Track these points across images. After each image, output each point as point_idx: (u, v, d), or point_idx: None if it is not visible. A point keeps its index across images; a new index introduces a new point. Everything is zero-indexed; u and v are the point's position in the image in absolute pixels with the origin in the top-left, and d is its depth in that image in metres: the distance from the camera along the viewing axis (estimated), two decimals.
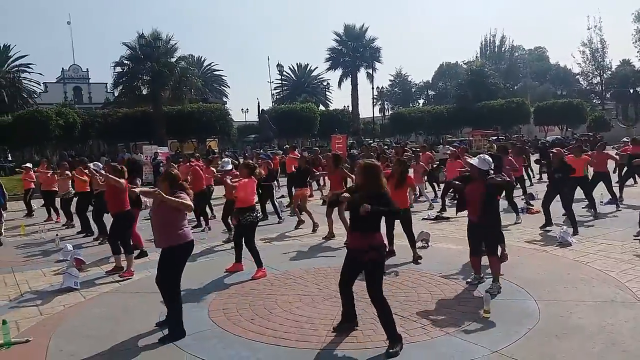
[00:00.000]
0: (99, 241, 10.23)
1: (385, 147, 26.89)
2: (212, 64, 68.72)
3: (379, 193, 4.59)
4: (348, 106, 54.38)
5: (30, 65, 48.83)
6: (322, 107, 55.37)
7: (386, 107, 73.82)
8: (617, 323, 4.92)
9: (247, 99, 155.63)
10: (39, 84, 51.18)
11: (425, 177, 14.19)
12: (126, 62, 36.37)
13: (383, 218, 4.82)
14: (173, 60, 37.23)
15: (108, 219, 9.99)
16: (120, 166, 8.28)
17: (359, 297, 5.16)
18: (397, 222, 7.72)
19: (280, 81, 58.10)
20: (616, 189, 12.18)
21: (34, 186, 15.14)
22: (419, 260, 7.48)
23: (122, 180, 7.65)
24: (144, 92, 36.99)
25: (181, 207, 5.02)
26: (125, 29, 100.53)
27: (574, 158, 10.53)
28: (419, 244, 8.08)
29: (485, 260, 6.21)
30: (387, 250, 7.53)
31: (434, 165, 15.28)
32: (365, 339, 4.78)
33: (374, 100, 56.23)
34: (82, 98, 55.15)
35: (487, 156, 6.27)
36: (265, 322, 5.34)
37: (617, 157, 13.16)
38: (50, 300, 6.49)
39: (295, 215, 11.38)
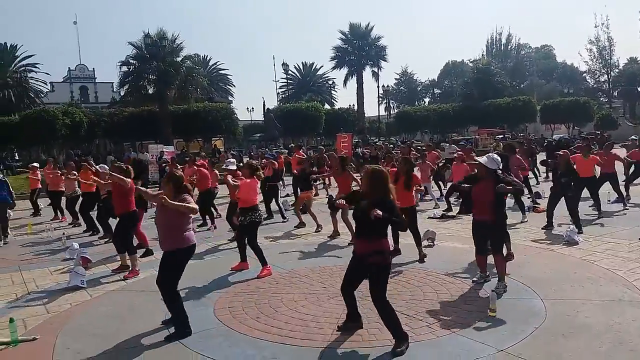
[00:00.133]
0: (105, 240, 10.27)
1: (391, 145, 26.83)
2: (218, 63, 68.87)
3: (384, 199, 4.57)
4: (353, 105, 54.39)
5: (37, 65, 49.07)
6: (327, 106, 55.38)
7: (392, 105, 73.60)
8: (625, 322, 4.88)
9: (253, 98, 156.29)
10: (46, 84, 51.46)
11: (431, 176, 14.15)
12: (132, 61, 36.44)
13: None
14: (179, 59, 37.25)
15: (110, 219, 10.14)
16: (126, 166, 8.31)
17: (365, 297, 5.16)
18: None
19: (285, 80, 58.23)
20: (623, 189, 12.10)
21: (40, 186, 15.23)
22: (425, 259, 7.47)
23: (128, 180, 7.68)
24: (150, 91, 37.02)
25: (186, 210, 5.02)
26: (131, 29, 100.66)
27: (582, 158, 10.46)
28: (425, 243, 8.07)
29: (490, 259, 6.19)
30: (393, 249, 7.55)
31: (440, 164, 15.25)
32: (370, 337, 4.78)
33: (380, 99, 56.07)
34: (89, 97, 55.41)
35: (495, 155, 6.24)
36: (270, 320, 5.35)
37: (625, 159, 13.01)
38: (56, 299, 6.52)
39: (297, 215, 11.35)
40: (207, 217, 11.46)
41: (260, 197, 7.56)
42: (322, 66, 68.39)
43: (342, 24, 79.55)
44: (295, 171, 13.83)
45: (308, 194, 11.04)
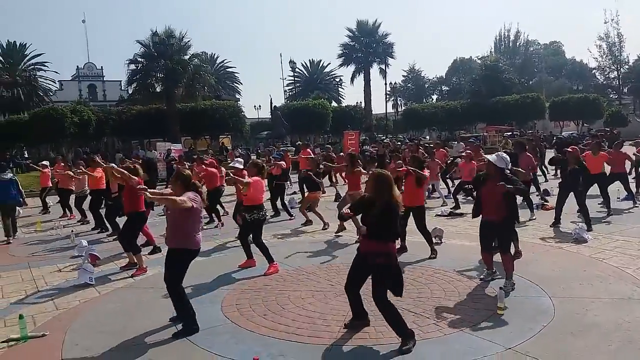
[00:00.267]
0: (114, 238, 10.32)
1: (399, 143, 26.72)
2: (225, 61, 68.98)
3: (388, 203, 4.56)
4: (361, 102, 54.21)
5: (46, 64, 49.29)
6: (334, 104, 55.20)
7: (399, 103, 73.36)
8: (634, 320, 4.84)
9: (260, 95, 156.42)
10: (54, 82, 51.70)
11: (439, 174, 14.10)
12: (140, 59, 36.57)
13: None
14: (186, 57, 37.32)
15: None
16: (134, 165, 8.35)
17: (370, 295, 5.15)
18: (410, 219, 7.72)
19: (292, 78, 58.14)
20: (633, 186, 12.00)
21: (50, 184, 15.34)
22: (432, 256, 7.46)
23: (135, 178, 7.72)
24: (158, 89, 37.13)
25: (169, 204, 5.09)
26: (139, 27, 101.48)
27: (591, 156, 10.38)
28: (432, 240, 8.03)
29: (498, 257, 6.16)
30: (399, 246, 7.55)
31: (448, 162, 15.19)
32: (378, 335, 4.77)
33: (387, 96, 55.91)
34: (97, 95, 55.67)
35: (504, 154, 6.21)
36: (277, 317, 5.36)
37: (634, 157, 12.90)
38: (65, 296, 6.57)
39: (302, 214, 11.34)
40: (214, 214, 11.51)
41: (266, 196, 7.55)
42: (329, 63, 68.27)
43: (350, 21, 79.41)
44: (303, 170, 13.80)
45: (315, 195, 11.01)
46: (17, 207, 11.69)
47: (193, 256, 5.24)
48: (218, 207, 11.91)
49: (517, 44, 74.38)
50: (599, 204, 10.95)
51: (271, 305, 5.73)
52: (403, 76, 79.19)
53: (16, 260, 8.90)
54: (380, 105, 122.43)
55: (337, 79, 67.98)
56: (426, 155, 13.54)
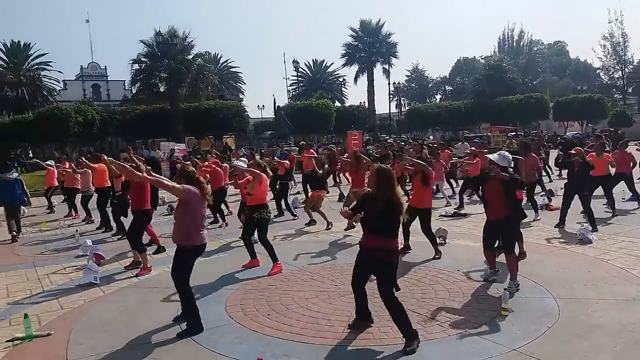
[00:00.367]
0: (118, 237, 10.36)
1: (402, 143, 26.68)
2: (229, 61, 69.03)
3: (390, 198, 4.56)
4: (364, 102, 54.17)
5: (50, 63, 49.47)
6: (337, 103, 55.19)
7: (402, 102, 73.30)
8: (639, 322, 4.82)
9: (263, 95, 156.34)
10: (59, 82, 51.84)
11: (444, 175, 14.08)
12: (144, 59, 36.60)
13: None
14: (190, 57, 37.35)
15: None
16: (137, 163, 8.37)
17: (375, 294, 5.14)
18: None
19: (296, 77, 58.05)
20: (638, 187, 11.94)
21: (57, 183, 15.39)
22: (436, 257, 7.45)
23: (138, 173, 7.75)
24: (162, 89, 37.18)
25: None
26: (143, 27, 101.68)
27: (595, 157, 10.34)
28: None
29: (502, 257, 6.15)
30: (402, 246, 7.55)
31: (451, 162, 15.16)
32: (381, 335, 4.77)
33: (390, 96, 55.90)
34: (101, 95, 55.83)
35: (506, 152, 6.20)
36: (281, 317, 5.36)
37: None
38: (70, 295, 6.59)
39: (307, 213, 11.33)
40: (218, 214, 11.52)
41: (269, 195, 7.56)
42: (332, 63, 68.30)
43: (353, 21, 78.94)
44: (307, 169, 13.80)
45: (319, 193, 11.00)
46: (22, 207, 11.72)
47: (197, 252, 5.25)
48: (222, 206, 11.93)
49: (521, 43, 74.22)
50: (603, 204, 10.92)
51: (275, 306, 5.74)
52: (406, 76, 79.19)
53: (21, 260, 8.93)
54: (383, 105, 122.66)
55: (341, 79, 68.06)
56: (429, 156, 13.52)
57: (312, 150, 16.89)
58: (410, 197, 8.17)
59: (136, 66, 36.84)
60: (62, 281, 7.33)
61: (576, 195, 9.19)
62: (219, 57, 67.54)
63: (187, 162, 12.16)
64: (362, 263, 4.78)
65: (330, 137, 48.01)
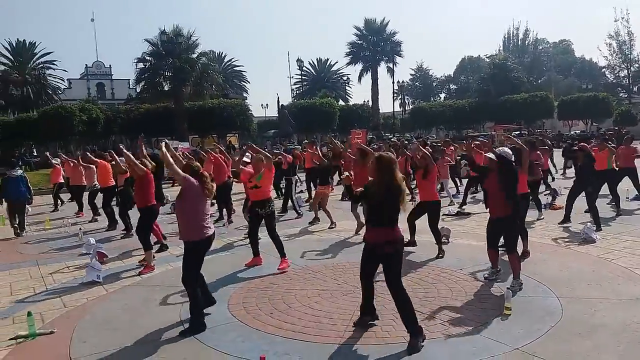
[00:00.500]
0: (122, 235, 10.38)
1: (406, 142, 26.61)
2: (233, 60, 69.10)
3: (389, 184, 4.54)
4: (368, 101, 54.09)
5: (55, 62, 49.68)
6: (341, 102, 55.18)
7: (407, 101, 73.09)
8: None
9: (267, 94, 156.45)
10: (63, 80, 52.09)
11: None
12: (148, 58, 36.70)
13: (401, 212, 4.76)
14: (194, 56, 37.43)
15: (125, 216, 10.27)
16: (141, 160, 8.39)
17: (378, 293, 5.15)
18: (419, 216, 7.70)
19: (300, 76, 58.18)
20: None
21: (62, 180, 15.42)
22: (440, 255, 7.44)
23: (143, 167, 7.81)
24: (166, 88, 37.28)
25: (168, 166, 5.27)
26: (147, 26, 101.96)
27: (597, 151, 10.35)
28: None
29: (506, 256, 6.13)
30: (408, 240, 7.55)
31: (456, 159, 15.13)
32: (384, 334, 4.76)
33: (395, 95, 55.77)
34: (105, 94, 56.08)
35: (507, 149, 6.20)
36: (284, 316, 5.36)
37: None
38: (73, 293, 6.61)
39: (312, 211, 11.33)
40: (225, 210, 11.51)
41: (273, 194, 7.56)
42: (336, 62, 68.28)
43: (357, 19, 78.98)
44: (312, 164, 13.79)
45: (324, 190, 10.96)
46: (26, 205, 11.79)
47: (201, 247, 5.22)
48: (228, 204, 11.87)
49: (526, 42, 73.89)
50: (607, 203, 10.88)
51: (278, 304, 5.74)
52: (411, 75, 78.97)
53: (25, 258, 8.96)
54: (387, 104, 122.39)
55: (345, 78, 68.00)
56: (434, 154, 13.51)
57: (314, 148, 16.90)
58: (417, 194, 8.20)
59: (141, 65, 36.99)
60: (66, 279, 7.35)
61: (582, 193, 9.15)
62: (223, 56, 67.70)
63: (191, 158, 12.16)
64: (369, 257, 4.76)
65: (334, 136, 47.93)
